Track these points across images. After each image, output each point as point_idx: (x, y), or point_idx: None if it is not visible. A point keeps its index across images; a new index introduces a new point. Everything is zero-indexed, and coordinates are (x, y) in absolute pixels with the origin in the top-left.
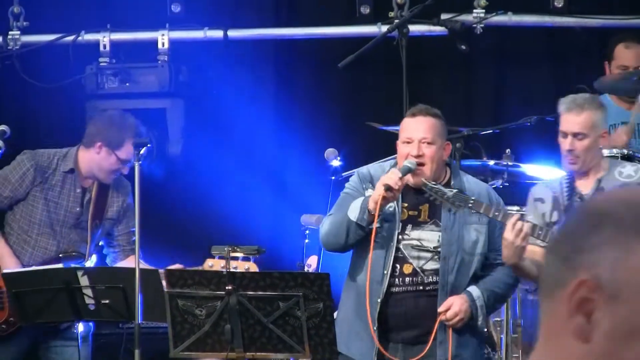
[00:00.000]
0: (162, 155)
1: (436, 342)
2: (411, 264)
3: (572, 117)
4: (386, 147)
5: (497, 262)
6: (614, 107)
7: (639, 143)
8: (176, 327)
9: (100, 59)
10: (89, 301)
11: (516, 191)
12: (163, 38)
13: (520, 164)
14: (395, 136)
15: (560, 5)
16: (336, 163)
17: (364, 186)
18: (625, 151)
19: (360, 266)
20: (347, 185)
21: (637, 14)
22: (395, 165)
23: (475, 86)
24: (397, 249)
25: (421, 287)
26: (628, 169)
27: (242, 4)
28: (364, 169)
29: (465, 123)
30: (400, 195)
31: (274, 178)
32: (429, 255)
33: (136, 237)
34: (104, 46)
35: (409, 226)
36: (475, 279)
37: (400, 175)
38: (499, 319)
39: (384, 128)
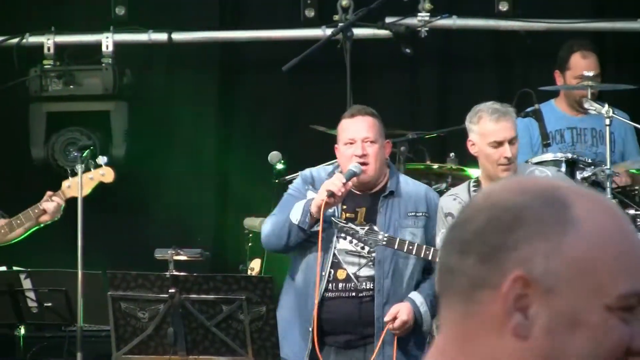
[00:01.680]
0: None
1: (375, 347)
2: (345, 269)
3: (503, 124)
4: (330, 150)
5: (432, 266)
6: (560, 113)
7: (585, 148)
8: (119, 330)
9: (45, 62)
10: (32, 304)
11: None
12: (107, 40)
13: (465, 168)
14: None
15: (505, 9)
16: (280, 166)
17: (306, 187)
18: (570, 155)
19: (301, 268)
20: (290, 186)
21: (582, 17)
22: (338, 168)
23: (420, 90)
24: (333, 254)
25: (354, 294)
26: (537, 175)
27: (187, 6)
28: (306, 171)
29: (409, 126)
30: None
31: (218, 181)
32: (363, 261)
33: (79, 239)
34: (48, 48)
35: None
36: (416, 284)
37: (344, 180)
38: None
39: (323, 130)
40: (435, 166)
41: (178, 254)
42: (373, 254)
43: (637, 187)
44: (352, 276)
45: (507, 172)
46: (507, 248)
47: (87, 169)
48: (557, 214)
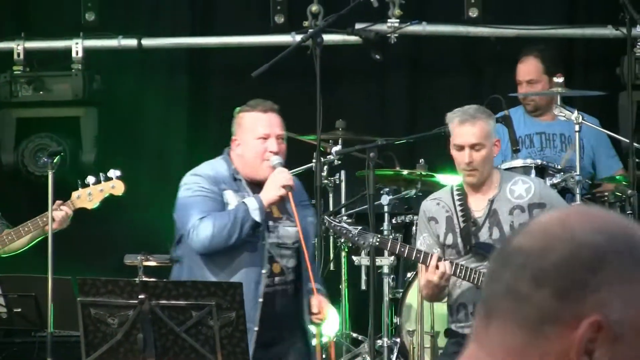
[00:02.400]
0: (76, 163)
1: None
2: (278, 263)
3: (467, 129)
4: (299, 155)
5: None
6: (529, 118)
7: (554, 152)
8: (88, 336)
9: (14, 67)
10: (1, 309)
11: None
12: (77, 46)
13: (434, 174)
14: (307, 145)
15: (474, 15)
16: None
17: (220, 187)
18: (539, 161)
19: (232, 267)
20: (195, 188)
21: (552, 24)
22: (232, 165)
23: (390, 95)
24: (266, 248)
25: (285, 286)
26: (519, 187)
27: (157, 12)
28: (202, 173)
29: (379, 132)
30: (250, 193)
31: None
32: (289, 252)
33: (49, 244)
34: (18, 54)
35: (271, 223)
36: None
37: (289, 172)
38: (411, 329)
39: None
40: (405, 172)
41: (147, 260)
42: (296, 244)
43: (606, 193)
44: (284, 268)
45: (471, 178)
46: (587, 288)
47: (98, 181)
48: (637, 261)
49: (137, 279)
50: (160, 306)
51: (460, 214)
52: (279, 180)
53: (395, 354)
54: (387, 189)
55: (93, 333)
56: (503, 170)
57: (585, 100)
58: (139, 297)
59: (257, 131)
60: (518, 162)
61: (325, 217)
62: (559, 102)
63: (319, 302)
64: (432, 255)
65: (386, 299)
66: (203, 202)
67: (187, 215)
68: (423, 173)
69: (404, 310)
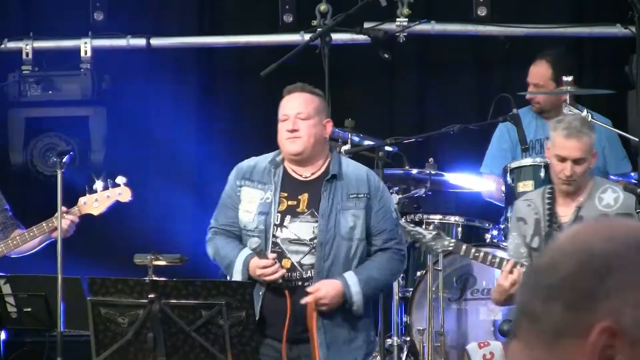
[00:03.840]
0: (85, 163)
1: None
2: (289, 258)
3: (572, 144)
4: None
5: (377, 248)
6: (540, 122)
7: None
8: (98, 336)
9: (23, 67)
10: (11, 309)
11: (439, 200)
12: (86, 46)
13: (443, 173)
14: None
15: (483, 14)
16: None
17: (238, 183)
18: (549, 160)
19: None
20: (226, 186)
21: (561, 22)
22: (279, 155)
23: (399, 95)
24: (275, 244)
25: (300, 283)
26: (608, 195)
27: (165, 12)
28: (243, 163)
29: (388, 131)
30: (279, 185)
31: (197, 186)
32: (306, 248)
33: (58, 244)
34: (27, 54)
35: (288, 217)
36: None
37: (261, 264)
38: (421, 328)
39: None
40: (414, 171)
41: (157, 259)
42: (314, 241)
43: None
44: (297, 265)
45: (566, 187)
46: (597, 297)
47: (105, 187)
48: None
49: (146, 278)
50: (170, 305)
51: (547, 217)
52: (258, 274)
53: (405, 353)
54: (397, 188)
55: (103, 332)
56: (597, 177)
57: (594, 99)
58: (149, 296)
59: (279, 115)
60: (528, 161)
61: (401, 222)
62: (568, 101)
63: (317, 286)
64: (508, 261)
65: (396, 297)
66: (220, 210)
67: (213, 214)
68: (432, 172)
69: (413, 309)
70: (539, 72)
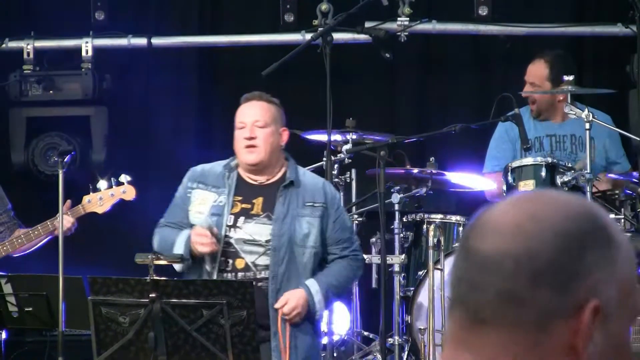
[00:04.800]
0: (86, 162)
1: (270, 334)
2: (243, 258)
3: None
4: (310, 154)
5: (335, 257)
6: (538, 120)
7: (564, 155)
8: (100, 335)
9: (24, 67)
10: (12, 309)
11: (440, 199)
12: (87, 45)
13: (445, 172)
14: (319, 144)
15: (484, 13)
16: None
17: (190, 185)
18: (550, 159)
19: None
20: (179, 188)
21: (562, 22)
22: (234, 160)
23: (400, 94)
24: (229, 244)
25: (257, 283)
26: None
27: (166, 11)
28: (198, 167)
29: (389, 131)
30: (233, 188)
31: None
32: (261, 249)
33: (60, 243)
34: (28, 53)
35: (241, 219)
36: (311, 273)
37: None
38: (422, 327)
39: (305, 135)
40: (415, 170)
41: (158, 259)
42: (269, 244)
43: (617, 192)
44: (251, 265)
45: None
46: (579, 277)
47: (109, 186)
48: (607, 239)
49: (147, 278)
50: (171, 305)
51: None
52: (193, 240)
53: (406, 352)
54: (398, 187)
55: (104, 332)
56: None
57: (595, 99)
58: (150, 295)
59: (236, 122)
60: (529, 161)
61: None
62: (569, 101)
63: (287, 297)
64: None
65: (397, 297)
66: (170, 210)
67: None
68: (433, 171)
69: (415, 309)
70: (536, 71)
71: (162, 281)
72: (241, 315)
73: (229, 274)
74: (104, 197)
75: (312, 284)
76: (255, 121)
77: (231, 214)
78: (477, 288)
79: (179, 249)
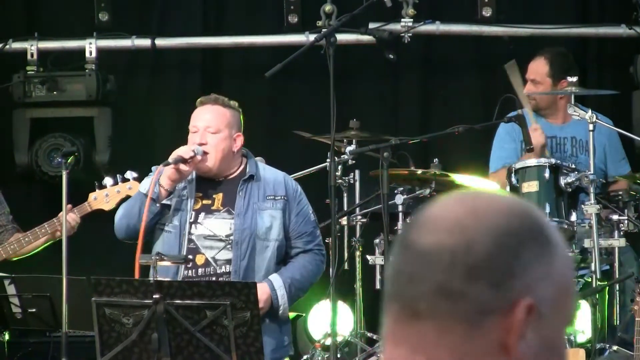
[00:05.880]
0: (89, 163)
1: None
2: (203, 254)
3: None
4: (314, 155)
5: (299, 251)
6: (541, 121)
7: (564, 157)
8: (103, 336)
9: (28, 67)
10: (16, 310)
11: None
12: (90, 46)
13: (448, 173)
14: (321, 145)
15: (488, 15)
16: None
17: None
18: (553, 160)
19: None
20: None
21: (565, 23)
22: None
23: (403, 95)
24: (190, 240)
25: (214, 278)
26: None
27: (170, 12)
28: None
29: (393, 132)
30: (194, 185)
31: None
32: (221, 244)
33: (63, 244)
34: (32, 54)
35: (202, 215)
36: (275, 268)
37: (193, 148)
38: None
39: (307, 136)
40: (419, 172)
41: (162, 260)
42: (231, 237)
43: (620, 192)
44: (211, 260)
45: None
46: (515, 274)
47: (115, 183)
48: (545, 239)
49: (151, 279)
50: (175, 306)
51: None
52: (174, 152)
53: None
54: (401, 189)
55: (108, 333)
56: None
57: (598, 100)
58: (154, 296)
59: (190, 126)
60: (532, 162)
61: None
62: (572, 101)
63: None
64: None
65: None
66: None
67: None
68: (437, 172)
69: None
70: (537, 68)
71: (166, 282)
72: (245, 316)
73: (189, 271)
74: (110, 193)
75: (275, 278)
76: (207, 127)
77: (192, 210)
78: (414, 281)
79: (144, 185)
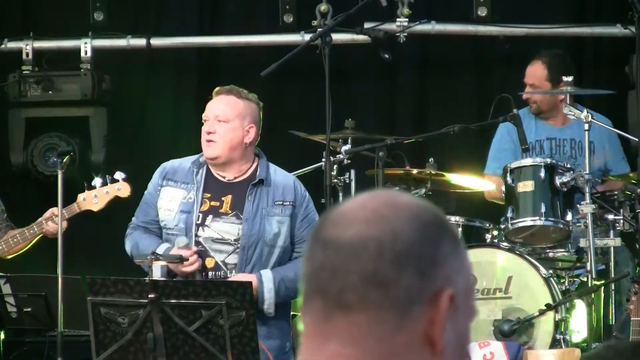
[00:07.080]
0: (85, 163)
1: None
2: (213, 257)
3: None
4: (309, 155)
5: (300, 255)
6: (539, 123)
7: (563, 158)
8: (99, 336)
9: (23, 67)
10: (11, 309)
11: (440, 200)
12: (86, 46)
13: (444, 173)
14: (317, 144)
15: (483, 14)
16: None
17: (160, 182)
18: (549, 160)
19: None
20: (149, 185)
21: (561, 22)
22: (203, 156)
23: (399, 95)
24: (198, 243)
25: None
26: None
27: (165, 12)
28: (168, 163)
29: (388, 132)
30: (202, 185)
31: None
32: (230, 248)
33: (59, 243)
34: (27, 54)
35: (209, 217)
36: None
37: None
38: None
39: (303, 135)
40: (415, 171)
41: (157, 259)
42: (239, 242)
43: (616, 192)
44: (221, 264)
45: None
46: (437, 263)
47: (104, 183)
48: (454, 236)
49: (147, 278)
50: (171, 305)
51: None
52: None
53: None
54: (397, 188)
55: (103, 332)
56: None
57: (594, 99)
58: (149, 296)
59: (203, 116)
60: (528, 161)
61: None
62: (568, 102)
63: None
64: None
65: None
66: (140, 208)
67: (135, 212)
68: (432, 172)
69: None
70: (535, 72)
71: (161, 282)
72: (240, 315)
73: (198, 273)
74: (99, 194)
75: (266, 273)
76: (216, 116)
77: (200, 212)
78: (339, 275)
79: (155, 273)
